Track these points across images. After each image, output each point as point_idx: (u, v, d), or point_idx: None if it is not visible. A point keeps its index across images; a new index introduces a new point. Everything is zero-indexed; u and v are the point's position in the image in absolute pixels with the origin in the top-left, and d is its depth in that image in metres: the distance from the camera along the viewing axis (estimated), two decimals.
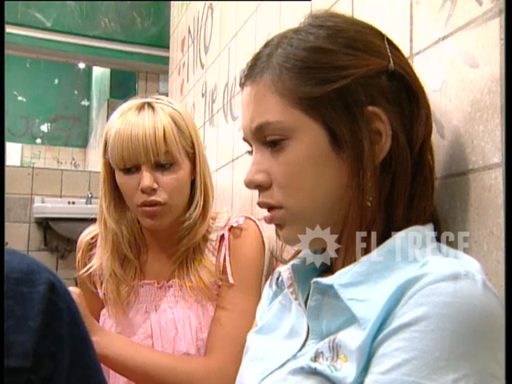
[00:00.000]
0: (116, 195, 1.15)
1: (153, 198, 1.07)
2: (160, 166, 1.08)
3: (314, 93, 0.60)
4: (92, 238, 1.22)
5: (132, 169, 1.08)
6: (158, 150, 1.06)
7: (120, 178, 1.10)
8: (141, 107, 1.10)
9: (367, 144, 0.59)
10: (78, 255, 1.22)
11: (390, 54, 0.62)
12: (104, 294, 1.16)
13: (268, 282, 0.83)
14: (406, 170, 0.61)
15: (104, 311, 1.19)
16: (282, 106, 0.62)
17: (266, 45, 0.67)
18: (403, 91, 0.62)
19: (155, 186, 1.07)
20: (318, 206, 0.63)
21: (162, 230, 1.14)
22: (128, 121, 1.06)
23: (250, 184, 0.66)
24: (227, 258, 1.13)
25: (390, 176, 0.61)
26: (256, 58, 0.67)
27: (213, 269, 1.13)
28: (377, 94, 0.61)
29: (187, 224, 1.12)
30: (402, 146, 0.61)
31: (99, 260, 1.16)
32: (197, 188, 1.15)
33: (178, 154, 1.09)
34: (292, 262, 0.71)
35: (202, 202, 1.15)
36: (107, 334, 1.03)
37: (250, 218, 1.19)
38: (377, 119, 0.60)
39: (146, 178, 1.06)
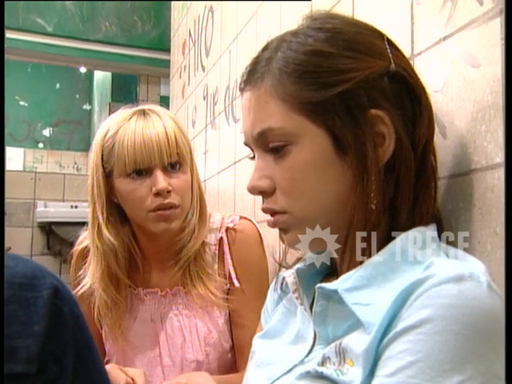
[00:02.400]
0: (112, 208, 1.11)
1: (168, 200, 1.05)
2: (171, 168, 1.07)
3: (316, 98, 0.60)
4: (84, 249, 1.19)
5: (142, 173, 1.05)
6: (171, 151, 1.05)
7: (128, 184, 1.06)
8: (144, 113, 1.09)
9: (371, 147, 0.59)
10: (72, 264, 1.19)
11: (390, 55, 0.62)
12: (98, 314, 1.13)
13: (272, 285, 0.83)
14: (410, 172, 0.61)
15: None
16: (284, 112, 0.61)
17: (265, 48, 0.66)
18: (405, 93, 0.62)
19: (170, 187, 1.06)
20: (322, 211, 0.62)
21: (162, 240, 1.12)
22: (136, 125, 1.05)
23: (254, 190, 0.65)
24: (229, 261, 1.12)
25: (394, 178, 0.61)
26: (255, 63, 0.66)
27: (216, 274, 1.12)
28: (379, 96, 0.60)
29: (188, 231, 1.11)
30: (406, 149, 0.60)
31: (91, 279, 1.12)
32: (193, 193, 1.13)
33: (186, 156, 1.09)
34: (296, 267, 0.70)
35: (198, 208, 1.14)
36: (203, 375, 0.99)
37: (246, 218, 1.18)
38: (380, 122, 0.60)
39: (161, 181, 1.04)
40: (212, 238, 1.15)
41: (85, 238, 1.20)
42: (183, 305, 1.13)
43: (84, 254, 1.19)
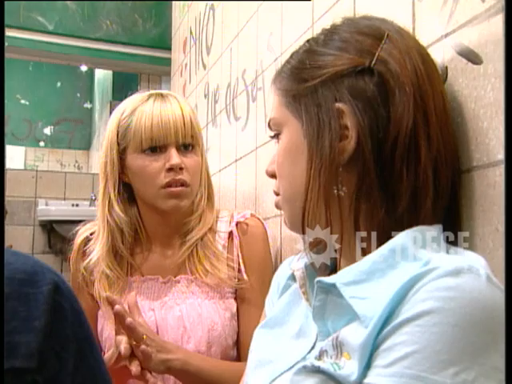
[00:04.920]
0: (124, 186, 1.15)
1: (180, 176, 1.09)
2: (184, 149, 1.12)
3: (295, 90, 0.66)
4: (91, 234, 1.21)
5: (157, 150, 1.10)
6: (186, 132, 1.11)
7: (142, 160, 1.10)
8: (162, 95, 1.14)
9: (330, 139, 0.61)
10: (74, 251, 1.21)
11: (378, 52, 0.61)
12: (98, 293, 1.14)
13: (276, 273, 0.83)
14: (368, 166, 0.60)
15: (101, 312, 1.17)
16: (278, 105, 0.69)
17: None
18: (381, 89, 0.61)
19: (182, 165, 1.10)
20: (298, 194, 0.65)
21: (171, 221, 1.15)
22: (155, 105, 1.10)
23: (267, 174, 0.74)
24: (239, 254, 1.14)
25: (362, 173, 0.61)
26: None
27: (224, 259, 1.14)
28: (347, 91, 0.62)
29: (196, 214, 1.15)
30: (367, 144, 0.60)
31: (97, 253, 1.15)
32: (202, 178, 1.17)
33: (199, 138, 1.15)
34: (305, 262, 0.71)
35: (206, 193, 1.18)
36: (183, 351, 1.03)
37: (255, 216, 1.20)
38: (344, 116, 0.62)
39: (175, 157, 1.09)
40: (222, 227, 1.18)
41: (84, 231, 1.23)
42: (187, 293, 1.13)
43: (84, 245, 1.21)
